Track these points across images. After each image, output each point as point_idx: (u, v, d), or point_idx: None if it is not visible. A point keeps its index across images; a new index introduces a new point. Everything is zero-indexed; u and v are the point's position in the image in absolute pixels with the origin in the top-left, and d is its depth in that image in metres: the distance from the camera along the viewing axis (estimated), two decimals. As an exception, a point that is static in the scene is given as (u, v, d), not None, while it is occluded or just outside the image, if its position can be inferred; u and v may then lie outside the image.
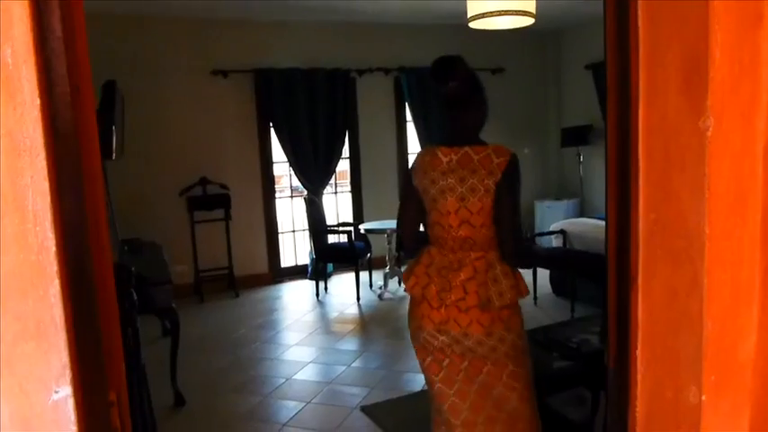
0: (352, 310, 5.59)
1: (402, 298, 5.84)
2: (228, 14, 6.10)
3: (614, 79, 1.03)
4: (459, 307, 2.04)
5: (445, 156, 2.07)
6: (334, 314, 5.51)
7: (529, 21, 4.34)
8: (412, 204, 2.20)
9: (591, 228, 5.19)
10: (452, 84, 2.07)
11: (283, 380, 3.98)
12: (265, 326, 5.18)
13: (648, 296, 0.99)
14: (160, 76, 6.04)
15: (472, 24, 4.35)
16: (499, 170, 2.00)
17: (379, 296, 5.89)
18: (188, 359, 4.31)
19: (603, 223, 4.60)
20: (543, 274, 5.39)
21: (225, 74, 6.26)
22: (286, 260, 6.96)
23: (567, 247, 5.28)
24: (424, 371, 2.20)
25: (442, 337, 2.08)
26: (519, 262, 2.14)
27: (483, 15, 4.12)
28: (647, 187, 0.98)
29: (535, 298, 5.37)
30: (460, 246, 2.07)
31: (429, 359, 2.14)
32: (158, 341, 4.57)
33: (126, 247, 3.91)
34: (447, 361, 2.10)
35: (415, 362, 2.29)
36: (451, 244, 2.08)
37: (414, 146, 7.34)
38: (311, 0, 5.72)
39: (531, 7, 4.25)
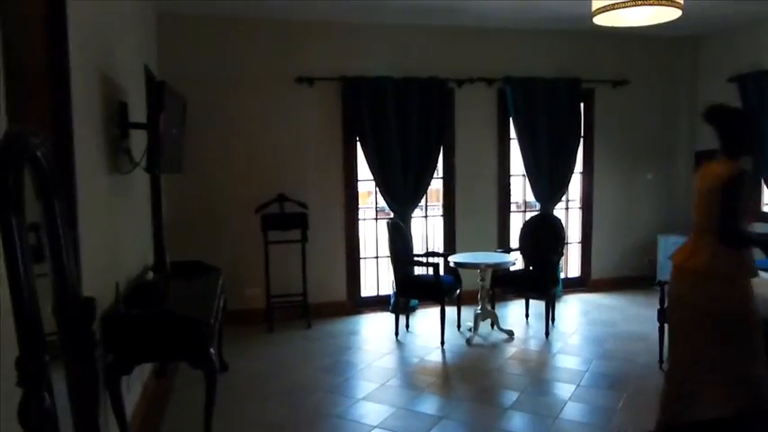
0: (435, 356, 4.79)
1: (494, 346, 4.97)
2: (314, 15, 5.55)
3: None
4: None
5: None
6: (413, 360, 4.74)
7: (674, 14, 3.39)
8: None
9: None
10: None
11: (341, 448, 3.27)
12: (334, 369, 4.51)
13: None
14: (239, 83, 5.59)
15: (597, 20, 3.45)
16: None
17: (468, 341, 5.05)
18: (236, 406, 3.72)
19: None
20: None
21: (311, 81, 5.72)
22: (367, 289, 6.28)
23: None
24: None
25: None
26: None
27: (613, 7, 3.22)
28: None
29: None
30: None
31: None
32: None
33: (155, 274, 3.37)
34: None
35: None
36: None
37: (517, 166, 6.44)
38: (405, 0, 5.05)
39: (679, -5, 3.30)
